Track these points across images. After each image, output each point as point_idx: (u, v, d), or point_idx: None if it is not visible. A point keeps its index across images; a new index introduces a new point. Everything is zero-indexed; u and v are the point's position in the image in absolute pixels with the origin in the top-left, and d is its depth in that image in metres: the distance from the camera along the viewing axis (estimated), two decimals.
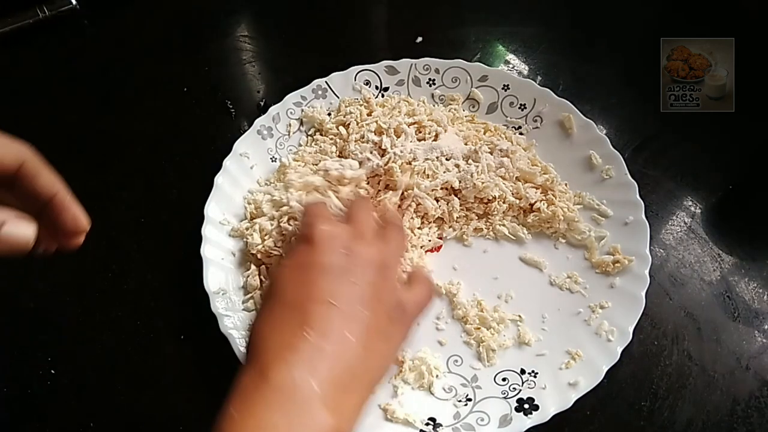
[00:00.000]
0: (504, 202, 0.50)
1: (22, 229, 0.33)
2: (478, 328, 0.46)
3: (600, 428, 0.44)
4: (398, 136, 0.52)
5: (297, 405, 0.30)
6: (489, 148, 0.51)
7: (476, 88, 0.57)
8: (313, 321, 0.33)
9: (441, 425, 0.42)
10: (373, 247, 0.38)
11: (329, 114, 0.57)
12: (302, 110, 0.56)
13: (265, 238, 0.48)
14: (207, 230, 0.48)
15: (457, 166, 0.51)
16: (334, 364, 0.32)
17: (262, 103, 0.61)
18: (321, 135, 0.55)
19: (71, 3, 0.67)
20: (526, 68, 0.65)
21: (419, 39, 0.66)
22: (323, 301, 0.34)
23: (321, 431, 0.30)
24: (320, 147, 0.54)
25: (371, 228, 0.40)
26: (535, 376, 0.44)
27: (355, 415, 0.33)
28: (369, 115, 0.55)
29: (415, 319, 0.38)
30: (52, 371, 0.46)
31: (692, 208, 0.55)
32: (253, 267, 0.48)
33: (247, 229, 0.49)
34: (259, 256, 0.48)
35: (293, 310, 0.34)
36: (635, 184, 0.50)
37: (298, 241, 0.39)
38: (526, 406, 0.42)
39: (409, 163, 0.50)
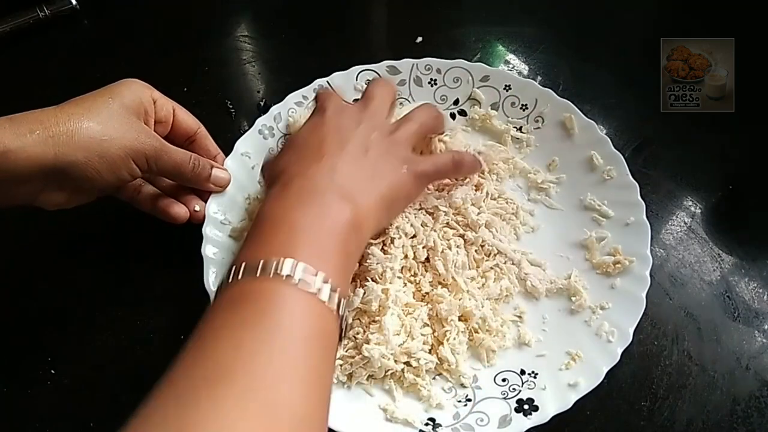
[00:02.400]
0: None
1: (224, 173, 0.50)
2: (477, 331, 0.46)
3: (600, 428, 0.44)
4: None
5: (317, 197, 0.37)
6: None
7: (478, 88, 0.57)
8: (325, 150, 0.41)
9: (440, 425, 0.42)
10: (384, 122, 0.45)
11: None
12: (303, 111, 0.56)
13: None
14: (208, 230, 0.48)
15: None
16: (344, 169, 0.39)
17: (262, 103, 0.61)
18: None
19: (71, 3, 0.67)
20: (526, 68, 0.65)
21: (419, 39, 0.66)
22: (334, 141, 0.41)
23: (341, 215, 0.37)
24: None
25: (386, 108, 0.46)
26: (535, 377, 0.44)
27: (372, 219, 0.40)
28: None
29: (425, 174, 0.44)
30: (52, 371, 0.46)
31: (692, 208, 0.55)
32: None
33: (245, 229, 0.49)
34: None
35: (307, 148, 0.41)
36: (636, 184, 0.49)
37: (312, 114, 0.46)
38: (526, 406, 0.42)
39: None
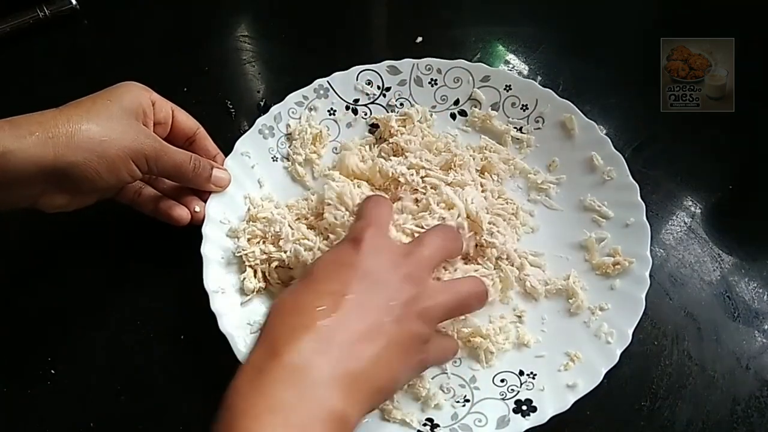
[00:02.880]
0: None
1: (224, 173, 0.50)
2: (474, 336, 0.45)
3: (600, 428, 0.44)
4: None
5: (307, 383, 0.31)
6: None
7: (478, 88, 0.57)
8: (336, 311, 0.34)
9: (438, 426, 0.42)
10: (423, 278, 0.38)
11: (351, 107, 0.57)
12: (304, 110, 0.56)
13: (256, 242, 0.48)
14: (207, 229, 0.48)
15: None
16: (346, 354, 0.33)
17: (262, 103, 0.61)
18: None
19: (71, 3, 0.67)
20: (526, 68, 0.65)
21: (419, 39, 0.66)
22: (351, 299, 0.35)
23: (329, 411, 0.31)
24: None
25: (433, 260, 0.40)
26: (533, 378, 0.44)
27: (362, 412, 0.33)
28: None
29: (430, 364, 0.38)
30: (52, 371, 0.46)
31: (692, 208, 0.55)
32: (249, 270, 0.48)
33: (243, 230, 0.49)
34: (244, 259, 0.48)
35: (319, 297, 0.35)
36: (636, 185, 0.49)
37: (346, 239, 0.40)
38: (524, 407, 0.42)
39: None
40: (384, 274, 0.36)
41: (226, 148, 0.52)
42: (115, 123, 0.42)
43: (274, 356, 0.32)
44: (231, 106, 0.61)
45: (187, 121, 0.50)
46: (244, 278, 0.47)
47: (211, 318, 0.44)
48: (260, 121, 0.54)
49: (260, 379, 0.31)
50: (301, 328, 0.33)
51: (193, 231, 0.48)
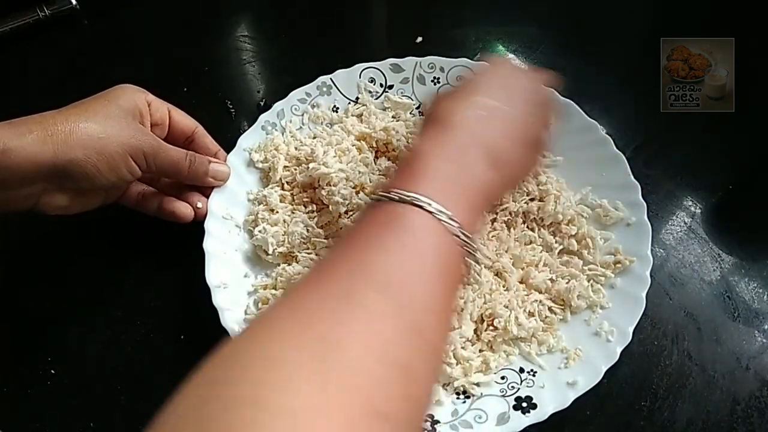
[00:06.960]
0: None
1: (223, 167, 0.51)
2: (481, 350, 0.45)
3: (600, 428, 0.44)
4: None
5: (471, 153, 0.36)
6: None
7: None
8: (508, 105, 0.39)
9: (439, 422, 0.42)
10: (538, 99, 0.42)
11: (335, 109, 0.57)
12: (307, 107, 0.56)
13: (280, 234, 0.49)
14: (210, 224, 0.48)
15: None
16: (507, 141, 0.38)
17: (262, 103, 0.61)
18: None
19: (71, 3, 0.67)
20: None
21: (419, 39, 0.66)
22: (515, 97, 0.40)
23: (484, 179, 0.36)
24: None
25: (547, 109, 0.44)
26: (534, 375, 0.44)
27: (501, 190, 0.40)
28: None
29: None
30: (52, 371, 0.46)
31: (692, 208, 0.55)
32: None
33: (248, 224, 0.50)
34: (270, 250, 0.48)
35: (494, 91, 0.39)
36: (638, 185, 0.49)
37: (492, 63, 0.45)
38: (524, 404, 0.42)
39: None
40: (532, 87, 0.42)
41: (227, 148, 0.52)
42: (113, 121, 0.43)
43: (444, 128, 0.37)
44: (231, 106, 0.61)
45: (184, 120, 0.51)
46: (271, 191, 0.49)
47: (213, 317, 0.44)
48: (263, 118, 0.54)
49: (439, 142, 0.36)
50: (463, 108, 0.38)
51: (194, 229, 0.48)
